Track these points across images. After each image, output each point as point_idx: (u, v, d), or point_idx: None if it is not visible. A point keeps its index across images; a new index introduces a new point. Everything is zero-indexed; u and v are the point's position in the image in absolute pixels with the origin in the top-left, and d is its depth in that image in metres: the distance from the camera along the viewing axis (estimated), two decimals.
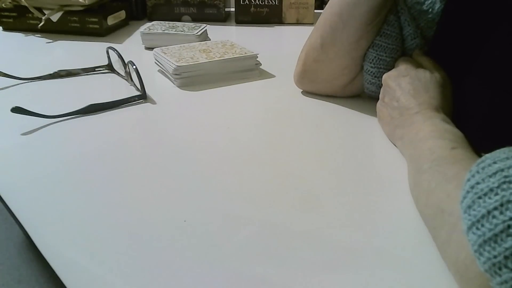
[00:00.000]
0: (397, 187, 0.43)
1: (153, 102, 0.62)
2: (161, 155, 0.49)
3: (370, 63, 0.56)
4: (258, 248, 0.36)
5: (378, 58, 0.56)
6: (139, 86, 0.63)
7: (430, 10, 0.54)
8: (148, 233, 0.37)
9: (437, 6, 0.54)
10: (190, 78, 0.67)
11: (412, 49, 0.56)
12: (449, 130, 0.42)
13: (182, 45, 0.74)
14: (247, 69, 0.71)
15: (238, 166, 0.48)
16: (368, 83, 0.58)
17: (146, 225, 0.38)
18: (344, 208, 0.41)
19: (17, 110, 0.55)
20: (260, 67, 0.73)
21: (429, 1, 0.54)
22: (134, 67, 0.63)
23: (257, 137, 0.53)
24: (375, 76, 0.57)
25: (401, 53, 0.56)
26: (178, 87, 0.67)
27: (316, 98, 0.63)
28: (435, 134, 0.42)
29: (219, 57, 0.69)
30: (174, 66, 0.66)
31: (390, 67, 0.55)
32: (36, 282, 1.07)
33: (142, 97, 0.62)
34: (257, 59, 0.71)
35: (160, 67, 0.72)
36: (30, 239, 0.37)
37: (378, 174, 0.46)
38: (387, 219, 0.39)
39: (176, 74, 0.66)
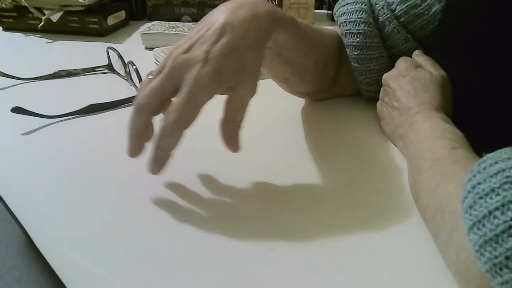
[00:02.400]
0: (397, 187, 0.43)
1: None
2: None
3: (361, 75, 0.57)
4: (258, 248, 0.36)
5: (367, 69, 0.57)
6: (139, 86, 0.63)
7: (426, 12, 0.54)
8: (148, 233, 0.37)
9: (435, 8, 0.53)
10: None
11: (405, 52, 0.56)
12: (450, 130, 0.42)
13: None
14: None
15: (238, 165, 0.47)
16: (365, 91, 0.58)
17: (146, 225, 0.38)
18: (344, 208, 0.41)
19: (17, 110, 0.55)
20: None
21: (426, 3, 0.54)
22: (134, 67, 0.63)
23: (257, 137, 0.53)
24: (370, 85, 0.58)
25: (387, 58, 0.57)
26: None
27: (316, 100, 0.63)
28: (435, 134, 0.42)
29: None
30: None
31: (381, 73, 0.55)
32: (36, 282, 1.07)
33: None
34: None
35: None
36: (30, 239, 0.37)
37: (378, 174, 0.46)
38: (387, 219, 0.39)
39: None
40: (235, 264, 0.34)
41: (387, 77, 0.53)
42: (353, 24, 0.56)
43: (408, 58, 0.54)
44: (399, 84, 0.50)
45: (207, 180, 0.45)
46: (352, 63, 0.57)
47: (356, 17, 0.55)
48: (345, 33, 0.56)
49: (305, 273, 0.33)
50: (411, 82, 0.49)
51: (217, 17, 0.41)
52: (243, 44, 0.40)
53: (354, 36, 0.55)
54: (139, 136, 0.41)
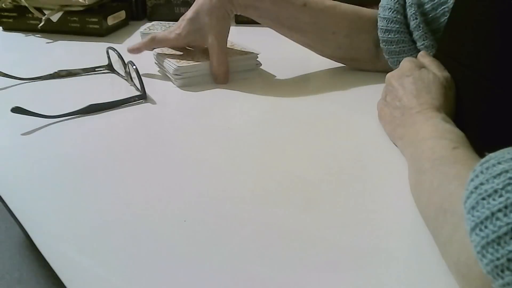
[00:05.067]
0: (397, 186, 0.43)
1: (153, 102, 0.62)
2: (161, 155, 0.49)
3: (386, 55, 0.66)
4: (258, 248, 0.36)
5: (389, 50, 0.65)
6: (139, 86, 0.62)
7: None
8: (148, 233, 0.37)
9: None
10: (191, 79, 0.67)
11: (425, 49, 0.59)
12: (451, 130, 0.42)
13: None
14: (248, 69, 0.71)
15: (238, 166, 0.47)
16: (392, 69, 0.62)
17: (146, 225, 0.38)
18: (344, 208, 0.40)
19: (17, 110, 0.54)
20: (260, 67, 0.72)
21: (451, 2, 0.56)
22: (134, 67, 0.63)
23: (257, 137, 0.53)
24: (394, 64, 0.66)
25: (410, 44, 0.63)
26: (178, 87, 0.67)
27: (316, 98, 0.63)
28: (436, 134, 0.42)
29: None
30: (174, 66, 0.66)
31: (402, 56, 0.63)
32: (36, 282, 1.07)
33: (142, 97, 0.62)
34: (257, 59, 0.71)
35: (161, 67, 0.72)
36: (30, 239, 0.37)
37: (378, 173, 0.46)
38: (387, 219, 0.39)
39: (176, 75, 0.66)
40: (235, 264, 0.34)
41: (390, 76, 0.53)
42: (382, 9, 0.64)
43: (413, 58, 0.54)
44: (402, 83, 0.50)
45: (207, 180, 0.45)
46: (380, 43, 0.66)
47: (386, 3, 0.63)
48: (378, 16, 0.65)
49: (305, 273, 0.33)
50: (414, 83, 0.49)
51: None
52: (202, 11, 0.65)
53: (381, 20, 0.64)
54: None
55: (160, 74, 0.72)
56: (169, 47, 0.71)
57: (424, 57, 0.54)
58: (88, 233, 0.37)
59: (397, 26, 0.62)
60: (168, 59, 0.68)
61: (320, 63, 0.75)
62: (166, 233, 0.37)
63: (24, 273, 1.09)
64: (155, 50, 0.72)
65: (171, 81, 0.68)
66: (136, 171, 0.46)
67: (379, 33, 0.65)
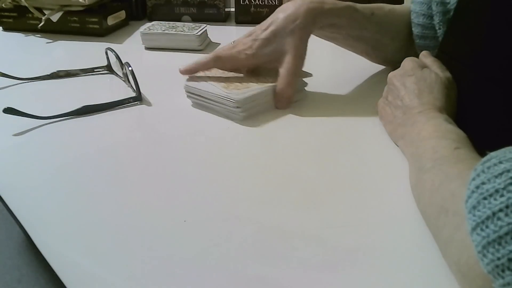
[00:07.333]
0: (398, 186, 0.43)
1: (148, 104, 0.61)
2: (157, 156, 0.49)
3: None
4: (258, 248, 0.36)
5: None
6: (135, 88, 0.62)
7: None
8: (148, 233, 0.37)
9: None
10: (255, 108, 0.57)
11: None
12: (452, 130, 0.42)
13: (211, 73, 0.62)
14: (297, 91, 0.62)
15: (238, 166, 0.47)
16: None
17: (146, 225, 0.38)
18: (344, 208, 0.40)
19: (9, 110, 0.54)
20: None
21: None
22: (130, 68, 0.62)
23: (257, 137, 0.53)
24: None
25: None
26: (241, 120, 0.56)
27: (316, 98, 0.63)
28: (438, 134, 0.42)
29: (272, 82, 0.59)
30: (235, 98, 0.54)
31: None
32: (36, 282, 1.07)
33: (137, 99, 0.61)
34: (303, 79, 0.63)
35: (200, 100, 0.59)
36: (30, 239, 0.37)
37: (378, 173, 0.46)
38: (387, 218, 0.39)
39: (238, 108, 0.55)
40: (235, 264, 0.34)
41: (392, 75, 0.53)
42: (416, 15, 0.62)
43: (415, 58, 0.54)
44: (404, 83, 0.50)
45: (207, 180, 0.45)
46: (417, 50, 0.63)
47: (419, 8, 0.62)
48: (412, 22, 0.64)
49: (305, 273, 0.33)
50: (416, 82, 0.49)
51: (272, 15, 0.61)
52: (283, 31, 0.58)
53: (415, 26, 0.63)
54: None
55: (194, 107, 0.60)
56: (233, 69, 0.61)
57: (426, 57, 0.54)
58: (87, 233, 0.37)
59: (433, 32, 0.61)
60: (218, 90, 0.56)
61: (319, 61, 0.75)
62: (166, 233, 0.37)
63: (24, 273, 1.09)
64: (187, 84, 0.60)
65: (226, 116, 0.57)
66: (134, 171, 0.46)
67: (415, 39, 0.64)
